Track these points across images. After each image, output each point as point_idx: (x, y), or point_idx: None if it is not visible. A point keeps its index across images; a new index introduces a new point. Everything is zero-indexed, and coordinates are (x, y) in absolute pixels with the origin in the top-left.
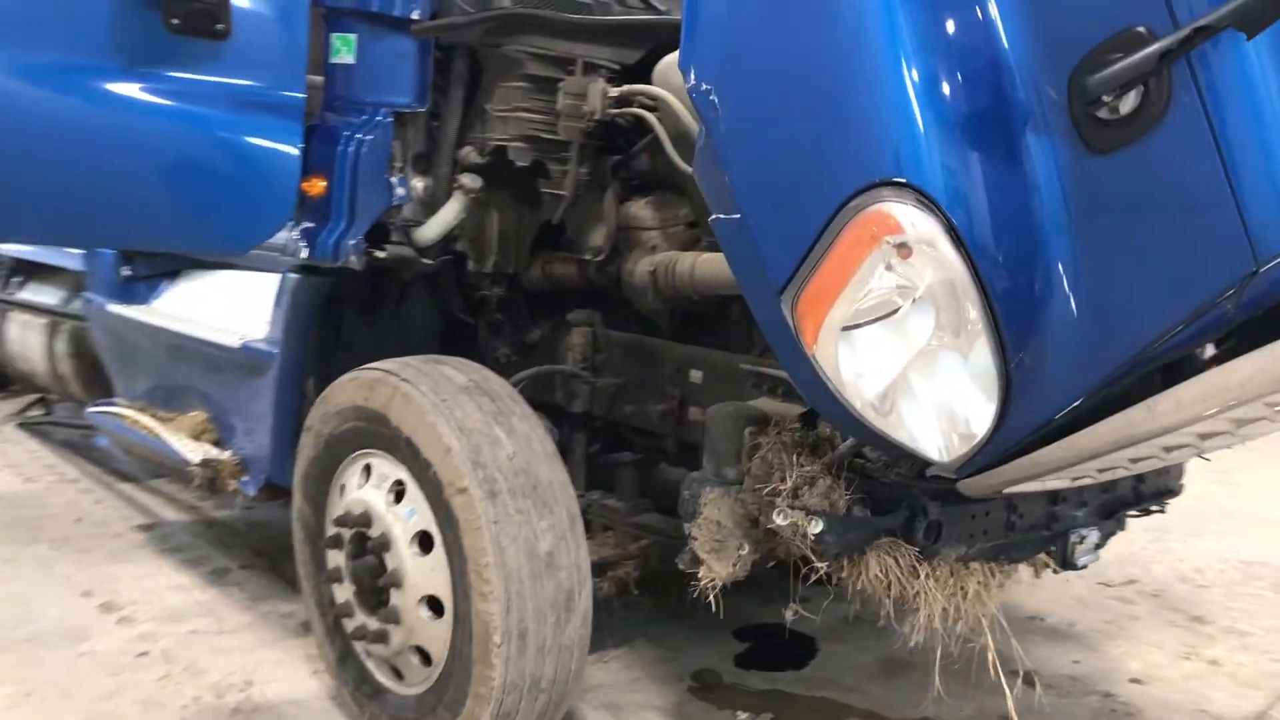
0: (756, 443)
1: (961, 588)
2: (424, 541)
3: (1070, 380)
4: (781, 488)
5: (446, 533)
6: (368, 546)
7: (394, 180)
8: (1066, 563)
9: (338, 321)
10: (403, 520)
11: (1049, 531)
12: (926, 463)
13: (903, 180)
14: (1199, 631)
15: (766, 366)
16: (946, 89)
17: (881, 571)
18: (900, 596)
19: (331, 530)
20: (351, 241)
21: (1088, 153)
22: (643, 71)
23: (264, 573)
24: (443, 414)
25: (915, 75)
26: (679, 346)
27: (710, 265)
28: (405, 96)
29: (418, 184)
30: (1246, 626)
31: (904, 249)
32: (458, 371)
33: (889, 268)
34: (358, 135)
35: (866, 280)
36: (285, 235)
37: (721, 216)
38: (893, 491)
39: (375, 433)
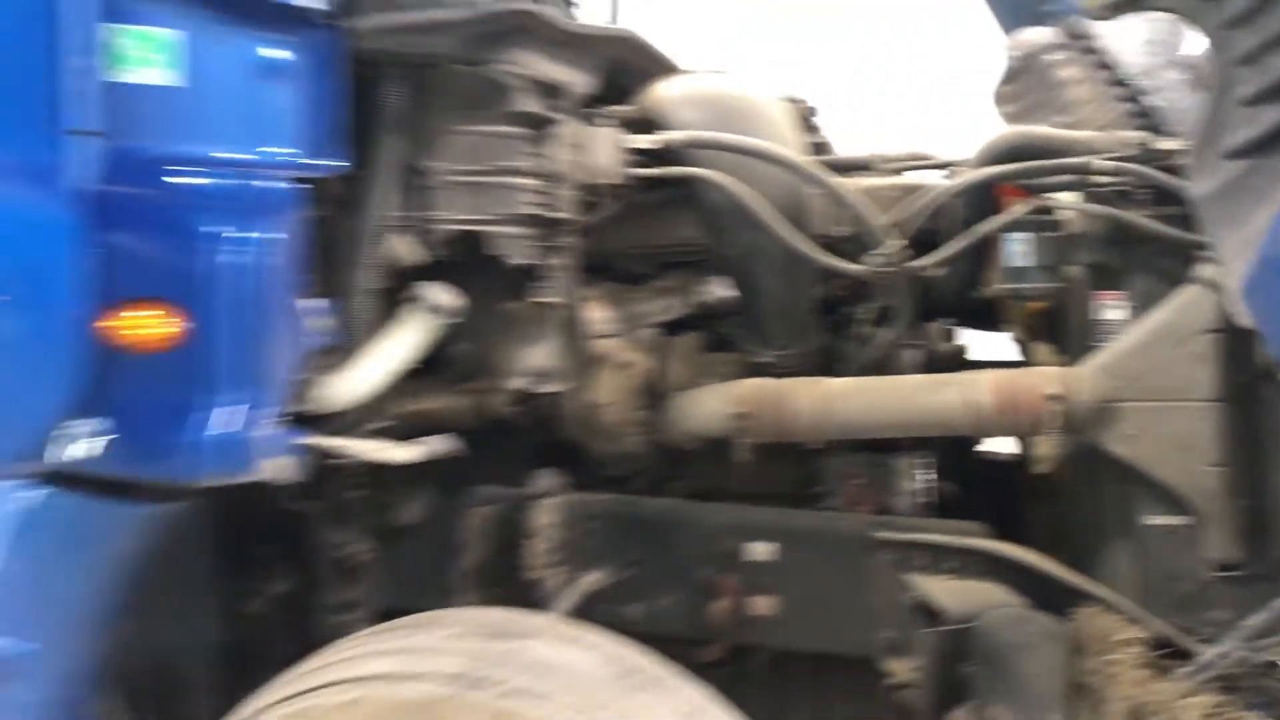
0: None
1: None
2: None
3: None
4: None
5: None
6: None
7: (311, 306)
8: None
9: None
10: None
11: None
12: None
13: None
14: None
15: (917, 530)
16: None
17: None
18: None
19: None
20: (268, 433)
21: None
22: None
23: None
24: None
25: None
26: (725, 509)
27: (875, 396)
28: (309, 148)
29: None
30: None
31: None
32: (561, 645)
33: None
34: (249, 223)
35: None
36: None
37: None
38: None
39: None
